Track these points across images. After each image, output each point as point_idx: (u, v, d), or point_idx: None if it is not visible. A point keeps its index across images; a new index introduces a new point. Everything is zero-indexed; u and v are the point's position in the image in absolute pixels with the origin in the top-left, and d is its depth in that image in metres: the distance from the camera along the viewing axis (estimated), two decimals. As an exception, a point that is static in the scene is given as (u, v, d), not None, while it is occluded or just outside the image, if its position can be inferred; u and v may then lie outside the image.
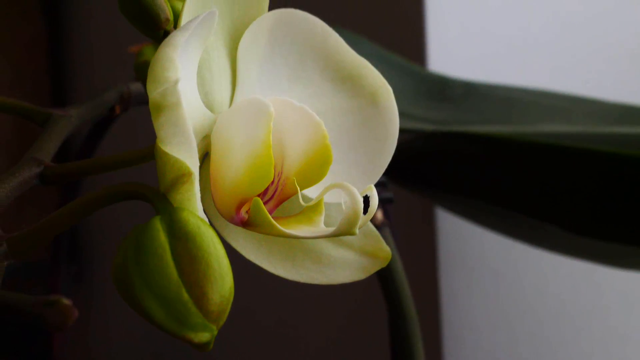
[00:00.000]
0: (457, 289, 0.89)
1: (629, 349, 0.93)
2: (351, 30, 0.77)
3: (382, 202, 0.64)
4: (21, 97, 0.49)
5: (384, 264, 0.43)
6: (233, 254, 0.36)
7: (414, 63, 0.87)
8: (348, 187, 0.36)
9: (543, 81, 0.91)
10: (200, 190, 0.39)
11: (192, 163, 0.33)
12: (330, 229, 0.37)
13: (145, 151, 0.39)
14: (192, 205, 0.33)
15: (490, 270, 0.90)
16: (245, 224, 0.37)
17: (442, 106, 0.81)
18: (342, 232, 0.36)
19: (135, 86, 0.55)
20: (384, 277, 0.62)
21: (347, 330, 1.00)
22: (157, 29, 0.41)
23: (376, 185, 0.65)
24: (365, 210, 0.37)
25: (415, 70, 0.85)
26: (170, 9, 0.42)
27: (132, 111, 0.56)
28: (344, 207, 0.36)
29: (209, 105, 0.39)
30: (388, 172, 0.70)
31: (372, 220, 0.51)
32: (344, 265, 0.42)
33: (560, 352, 0.92)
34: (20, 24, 1.74)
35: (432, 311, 0.88)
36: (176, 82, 0.33)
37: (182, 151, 0.33)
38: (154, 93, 0.33)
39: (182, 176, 0.33)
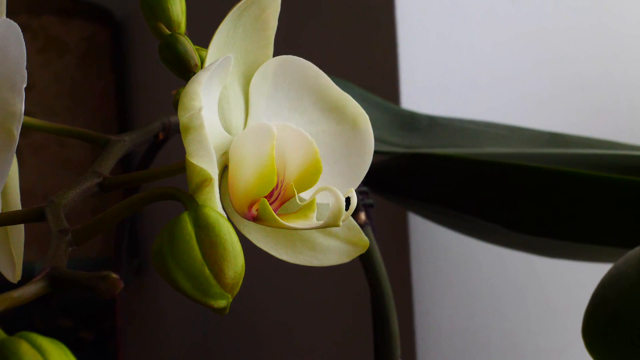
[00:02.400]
0: (425, 274, 0.88)
1: (560, 318, 0.93)
2: (341, 77, 0.77)
3: (365, 207, 0.64)
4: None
5: (363, 251, 0.43)
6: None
7: (390, 102, 0.86)
8: (333, 189, 0.36)
9: (489, 115, 0.91)
10: (221, 193, 0.39)
11: (213, 171, 0.33)
12: (320, 222, 0.36)
13: (178, 165, 0.39)
14: (213, 203, 0.33)
15: (451, 260, 0.90)
16: (256, 219, 0.37)
17: (411, 135, 0.81)
18: (329, 225, 0.36)
19: (175, 118, 0.55)
20: (366, 264, 0.62)
21: (338, 304, 1.00)
22: (188, 72, 0.41)
23: (359, 193, 0.65)
24: (347, 208, 0.37)
25: (391, 107, 0.85)
26: (198, 56, 0.42)
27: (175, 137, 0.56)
28: (330, 205, 0.36)
29: (227, 128, 0.39)
30: (370, 184, 0.70)
31: (356, 221, 0.50)
32: (333, 251, 0.42)
33: (507, 321, 0.91)
34: (95, 79, 1.75)
35: (405, 292, 0.88)
36: (200, 109, 0.33)
37: (205, 162, 0.33)
38: (183, 118, 0.33)
39: (205, 181, 0.33)
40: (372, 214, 0.66)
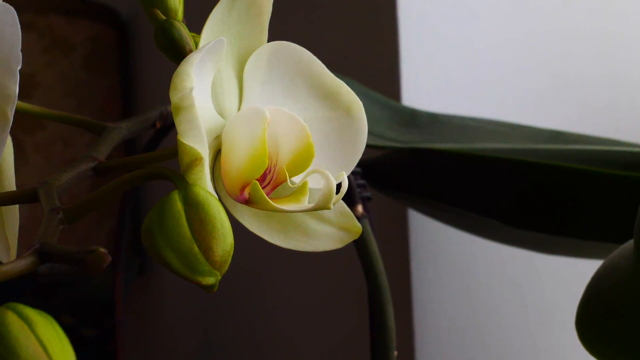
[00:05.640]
0: (424, 271, 0.88)
1: (559, 316, 0.93)
2: (342, 73, 0.77)
3: (362, 200, 0.64)
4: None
5: (356, 237, 0.43)
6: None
7: (391, 98, 0.87)
8: (324, 172, 0.37)
9: (490, 112, 0.91)
10: (215, 178, 0.39)
11: (203, 150, 0.33)
12: (312, 205, 0.37)
13: (172, 149, 0.39)
14: (203, 182, 0.33)
15: (451, 257, 0.90)
16: (248, 202, 0.37)
17: (411, 131, 0.81)
18: (320, 207, 0.36)
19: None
20: (363, 256, 0.62)
21: (336, 300, 1.00)
22: (183, 58, 0.41)
23: (357, 186, 0.65)
24: (338, 192, 0.37)
25: (392, 104, 0.85)
26: (193, 43, 0.42)
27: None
28: (321, 187, 0.36)
29: (220, 112, 0.39)
30: (368, 179, 0.70)
31: (354, 213, 0.50)
32: (326, 237, 0.42)
33: (505, 318, 0.91)
34: (100, 78, 1.76)
35: (405, 289, 0.88)
36: (191, 89, 0.33)
37: (195, 142, 0.33)
38: (174, 98, 0.34)
39: (195, 160, 0.33)
40: (370, 207, 0.66)
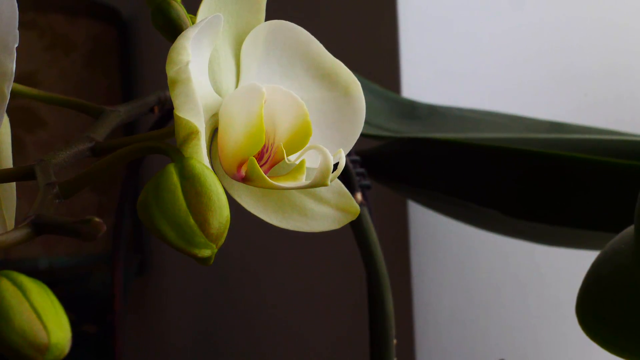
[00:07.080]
0: (424, 260, 0.88)
1: (559, 310, 0.92)
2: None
3: (362, 188, 0.64)
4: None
5: (353, 218, 0.42)
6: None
7: (391, 90, 0.86)
8: (321, 148, 0.36)
9: (490, 104, 0.91)
10: (212, 157, 0.39)
11: (199, 124, 0.33)
12: (309, 181, 0.36)
13: (169, 129, 0.39)
14: (199, 155, 0.33)
15: (451, 250, 0.89)
16: (244, 179, 0.37)
17: (411, 122, 0.81)
18: (317, 184, 0.36)
19: (171, 93, 0.55)
20: (361, 244, 0.62)
21: (335, 287, 1.00)
22: (181, 37, 0.41)
23: (357, 175, 0.65)
24: (335, 169, 0.37)
25: (392, 96, 0.85)
26: (191, 23, 0.42)
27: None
28: (318, 164, 0.36)
29: (217, 91, 0.39)
30: (367, 168, 0.70)
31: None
32: (323, 217, 0.42)
33: (506, 312, 0.91)
34: (101, 77, 1.76)
35: (405, 283, 0.88)
36: (187, 63, 0.33)
37: (192, 115, 0.33)
38: (170, 72, 0.33)
39: (191, 134, 0.33)
40: (370, 198, 0.66)
